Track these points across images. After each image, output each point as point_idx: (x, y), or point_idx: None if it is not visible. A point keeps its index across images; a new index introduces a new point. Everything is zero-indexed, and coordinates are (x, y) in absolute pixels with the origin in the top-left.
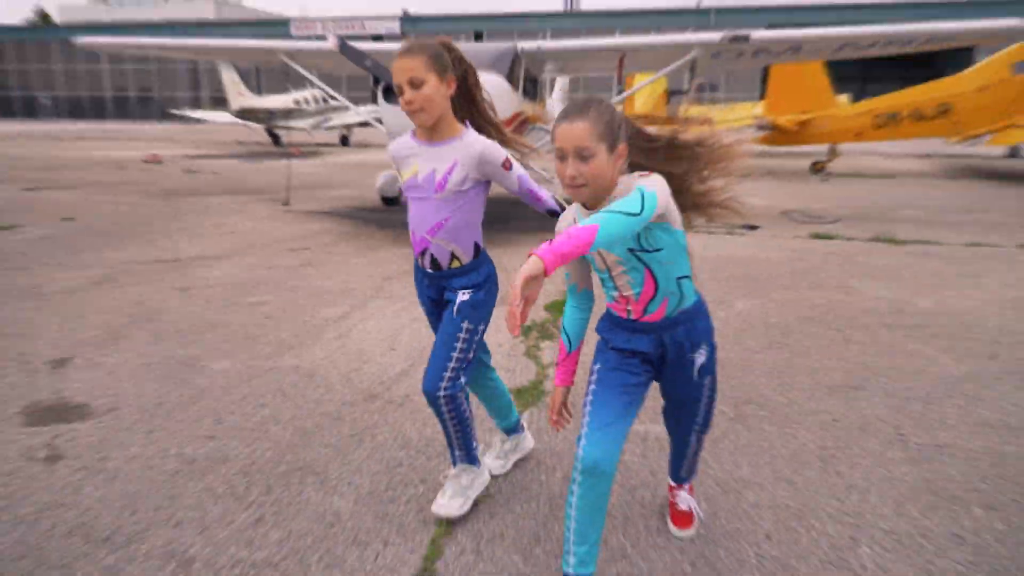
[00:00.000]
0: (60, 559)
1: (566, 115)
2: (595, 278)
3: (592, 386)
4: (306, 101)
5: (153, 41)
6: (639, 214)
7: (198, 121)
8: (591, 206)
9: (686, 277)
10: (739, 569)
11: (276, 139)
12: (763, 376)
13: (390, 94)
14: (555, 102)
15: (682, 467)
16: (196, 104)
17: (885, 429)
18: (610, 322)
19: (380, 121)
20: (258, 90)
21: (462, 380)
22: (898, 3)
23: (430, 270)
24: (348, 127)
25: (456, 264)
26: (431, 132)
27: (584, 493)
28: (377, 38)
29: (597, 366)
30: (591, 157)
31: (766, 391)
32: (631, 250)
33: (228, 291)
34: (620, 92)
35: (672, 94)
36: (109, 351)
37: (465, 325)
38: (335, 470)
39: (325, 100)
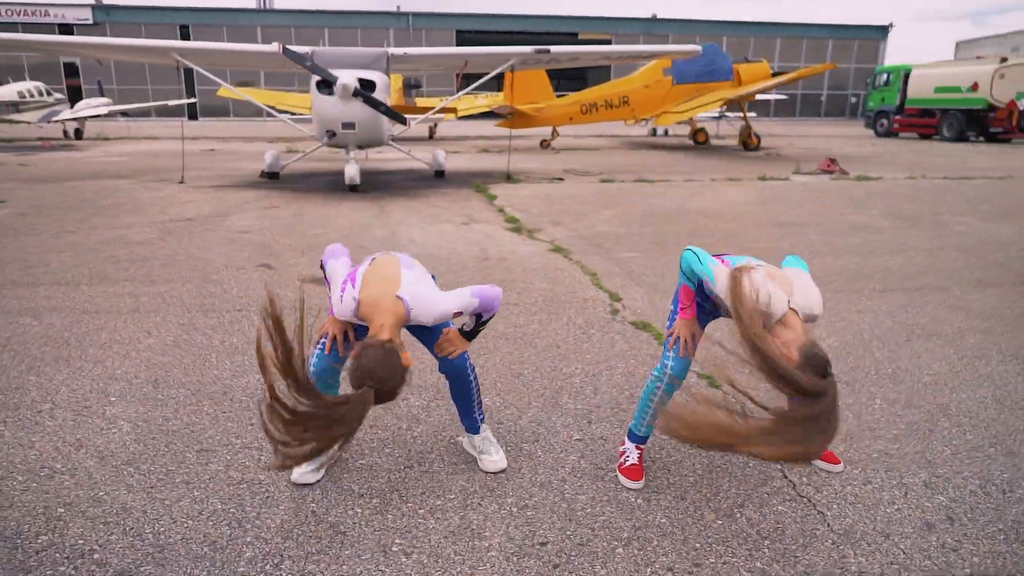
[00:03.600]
0: None
1: None
2: None
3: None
4: (31, 93)
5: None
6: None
7: None
8: None
9: None
10: None
11: None
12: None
13: (324, 88)
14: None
15: None
16: None
17: None
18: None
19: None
20: None
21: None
22: (553, 15)
23: None
24: (81, 120)
25: None
26: None
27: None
28: (66, 28)
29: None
30: None
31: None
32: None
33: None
34: (458, 89)
35: (408, 87)
36: None
37: None
38: None
39: (48, 92)
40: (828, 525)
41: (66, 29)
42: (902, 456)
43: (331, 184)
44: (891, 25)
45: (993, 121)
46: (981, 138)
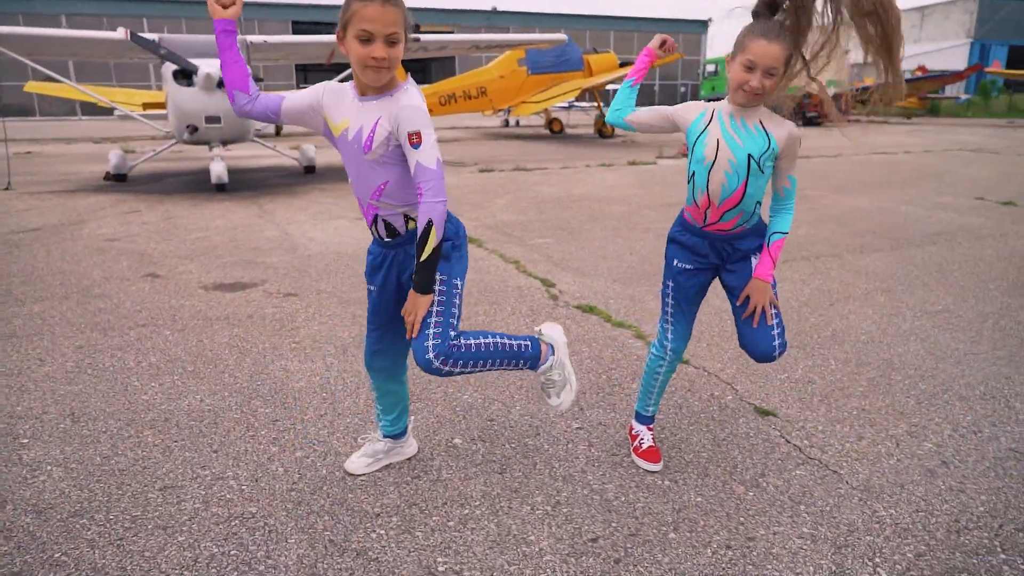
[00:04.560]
0: None
1: (766, 34)
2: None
3: (669, 299)
4: None
5: None
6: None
7: None
8: (742, 105)
9: (758, 202)
10: None
11: None
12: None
13: (181, 77)
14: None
15: None
16: None
17: None
18: (681, 228)
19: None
20: None
21: (452, 334)
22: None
23: (387, 239)
24: None
25: (413, 226)
26: (366, 87)
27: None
28: None
29: (670, 284)
30: (775, 76)
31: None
32: (751, 156)
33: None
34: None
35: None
36: None
37: (438, 278)
38: None
39: None
40: (847, 483)
41: None
42: (877, 411)
43: (192, 184)
44: (710, 20)
45: (809, 107)
46: (800, 122)
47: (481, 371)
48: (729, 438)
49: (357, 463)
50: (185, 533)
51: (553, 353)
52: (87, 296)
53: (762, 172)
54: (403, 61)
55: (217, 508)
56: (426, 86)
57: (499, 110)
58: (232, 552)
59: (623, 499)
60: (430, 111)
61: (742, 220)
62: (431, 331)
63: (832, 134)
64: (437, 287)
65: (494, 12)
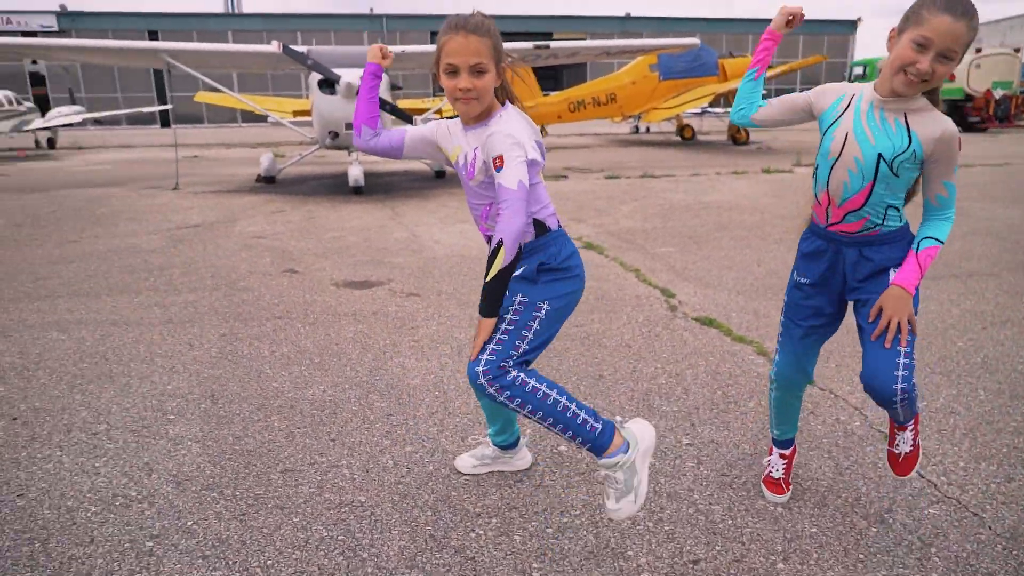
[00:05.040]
0: None
1: (951, 8)
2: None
3: (782, 315)
4: (1, 104)
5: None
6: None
7: None
8: (896, 95)
9: (894, 208)
10: None
11: None
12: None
13: (326, 87)
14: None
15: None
16: None
17: None
18: (808, 232)
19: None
20: None
21: (514, 355)
22: (529, 15)
23: None
24: (53, 129)
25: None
26: (466, 117)
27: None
28: (30, 36)
29: (784, 298)
30: (951, 62)
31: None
32: (881, 156)
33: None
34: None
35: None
36: None
37: (518, 299)
38: None
39: (19, 101)
40: (990, 528)
41: (30, 37)
42: None
43: (332, 187)
44: (859, 19)
45: (971, 111)
46: (960, 128)
47: (529, 418)
48: (853, 467)
49: (465, 461)
50: (300, 515)
51: (626, 452)
52: (233, 288)
53: (896, 176)
54: (535, 68)
55: (330, 494)
56: (556, 92)
57: (628, 116)
58: (340, 537)
59: (730, 522)
60: (558, 117)
61: (869, 224)
62: (491, 346)
63: (999, 139)
64: (516, 306)
65: (627, 18)
